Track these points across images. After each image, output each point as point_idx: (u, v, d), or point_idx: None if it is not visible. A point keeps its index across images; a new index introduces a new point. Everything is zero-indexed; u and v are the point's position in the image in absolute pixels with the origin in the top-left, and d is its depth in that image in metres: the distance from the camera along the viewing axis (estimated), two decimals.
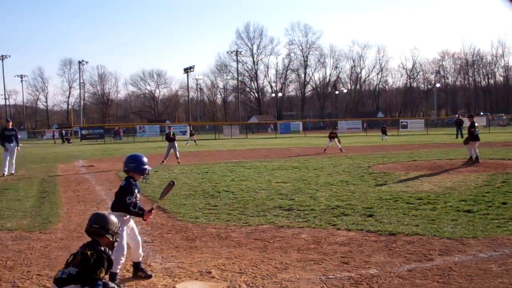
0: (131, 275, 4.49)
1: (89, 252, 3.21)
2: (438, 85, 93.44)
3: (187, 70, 70.10)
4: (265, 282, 4.22)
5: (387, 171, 12.43)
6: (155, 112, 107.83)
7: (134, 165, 4.42)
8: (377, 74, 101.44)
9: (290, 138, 46.49)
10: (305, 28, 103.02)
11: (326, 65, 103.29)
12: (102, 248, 3.29)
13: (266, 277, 4.34)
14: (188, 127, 50.39)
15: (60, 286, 3.17)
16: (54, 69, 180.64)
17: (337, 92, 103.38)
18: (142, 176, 4.45)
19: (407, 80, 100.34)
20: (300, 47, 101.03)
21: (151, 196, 9.17)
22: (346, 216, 6.83)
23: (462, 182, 9.83)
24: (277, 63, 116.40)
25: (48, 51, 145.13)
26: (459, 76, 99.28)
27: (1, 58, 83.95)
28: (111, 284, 3.59)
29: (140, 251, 4.49)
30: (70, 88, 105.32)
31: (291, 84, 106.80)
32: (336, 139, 21.59)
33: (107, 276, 3.49)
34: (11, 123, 15.63)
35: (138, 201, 4.34)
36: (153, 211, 4.42)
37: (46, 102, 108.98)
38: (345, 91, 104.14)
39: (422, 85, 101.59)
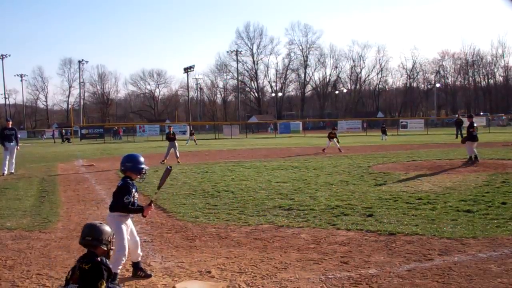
0: (130, 274, 4.50)
1: (86, 266, 3.19)
2: (438, 85, 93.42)
3: (187, 70, 70.08)
4: (264, 281, 4.22)
5: (387, 171, 12.43)
6: (155, 111, 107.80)
7: (130, 165, 4.42)
8: (377, 74, 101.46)
9: (290, 138, 46.48)
10: (305, 28, 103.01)
11: (326, 65, 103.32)
12: (99, 259, 3.27)
13: (266, 277, 4.34)
14: (188, 126, 50.39)
15: None
16: (54, 68, 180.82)
17: (337, 92, 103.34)
18: (139, 176, 4.44)
19: (407, 80, 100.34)
20: (300, 47, 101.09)
21: (150, 195, 9.15)
22: (346, 216, 6.84)
23: (461, 182, 9.83)
24: (277, 63, 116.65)
25: (48, 50, 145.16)
26: (459, 76, 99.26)
27: (1, 57, 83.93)
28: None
29: (139, 251, 4.49)
30: (70, 87, 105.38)
31: (291, 84, 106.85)
32: (335, 139, 21.60)
33: None
34: (11, 123, 15.64)
35: (136, 200, 4.33)
36: (152, 205, 4.40)
37: (46, 101, 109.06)
38: (345, 91, 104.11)
39: (422, 85, 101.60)
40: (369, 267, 4.53)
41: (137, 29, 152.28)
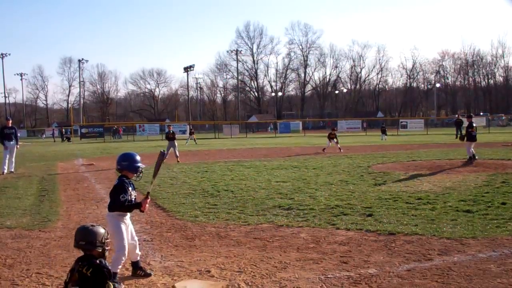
0: (130, 273, 4.49)
1: (87, 272, 3.18)
2: (438, 85, 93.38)
3: (187, 69, 70.12)
4: (264, 281, 4.22)
5: (387, 170, 12.43)
6: (155, 111, 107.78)
7: (126, 164, 4.39)
8: (377, 74, 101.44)
9: (290, 137, 46.47)
10: (305, 27, 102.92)
11: (326, 64, 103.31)
12: (98, 262, 3.27)
13: (265, 276, 4.34)
14: (188, 126, 50.37)
15: None
16: (54, 67, 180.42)
17: (337, 92, 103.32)
18: (135, 174, 4.40)
19: (407, 80, 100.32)
20: (300, 47, 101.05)
21: (150, 194, 9.16)
22: (346, 215, 6.84)
23: (461, 182, 9.83)
24: (277, 63, 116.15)
25: (48, 49, 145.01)
26: (459, 76, 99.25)
27: (1, 56, 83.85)
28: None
29: (137, 251, 4.49)
30: (70, 86, 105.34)
31: (291, 83, 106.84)
32: (334, 140, 21.62)
33: None
34: (10, 121, 15.63)
35: (133, 199, 4.30)
36: (149, 197, 4.36)
37: (46, 100, 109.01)
38: (345, 90, 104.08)
39: (422, 85, 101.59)
40: (368, 266, 4.53)
41: (137, 28, 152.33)
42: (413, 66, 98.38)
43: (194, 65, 69.38)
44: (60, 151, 28.28)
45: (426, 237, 5.52)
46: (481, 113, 75.42)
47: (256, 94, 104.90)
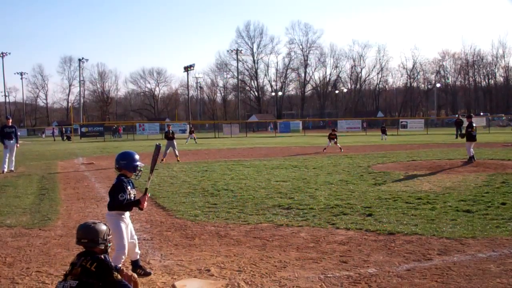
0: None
1: (89, 265, 3.18)
2: (438, 85, 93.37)
3: (187, 69, 70.10)
4: (264, 280, 4.22)
5: (387, 170, 12.43)
6: (155, 110, 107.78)
7: (125, 163, 4.37)
8: (377, 73, 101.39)
9: (290, 137, 46.48)
10: (306, 27, 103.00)
11: (326, 64, 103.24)
12: (102, 257, 3.27)
13: (265, 275, 4.34)
14: (188, 125, 50.37)
15: None
16: (54, 66, 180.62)
17: (337, 92, 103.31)
18: (134, 173, 4.38)
19: (407, 80, 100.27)
20: (301, 46, 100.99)
21: (150, 193, 9.17)
22: (345, 215, 6.84)
23: (461, 182, 9.84)
24: (277, 62, 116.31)
25: (48, 48, 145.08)
26: (459, 76, 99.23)
27: (1, 55, 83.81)
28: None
29: (137, 249, 4.49)
30: (70, 85, 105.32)
31: (291, 83, 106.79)
32: (334, 140, 21.64)
33: None
34: (10, 120, 15.62)
35: (133, 197, 4.30)
36: (148, 193, 4.34)
37: (46, 99, 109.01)
38: (345, 90, 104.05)
39: (422, 85, 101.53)
40: (368, 266, 4.53)
41: (137, 28, 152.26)
42: (413, 66, 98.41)
43: (194, 64, 69.36)
44: (60, 150, 28.29)
45: (425, 237, 5.53)
46: (481, 113, 75.38)
47: (256, 93, 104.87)
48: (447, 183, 9.76)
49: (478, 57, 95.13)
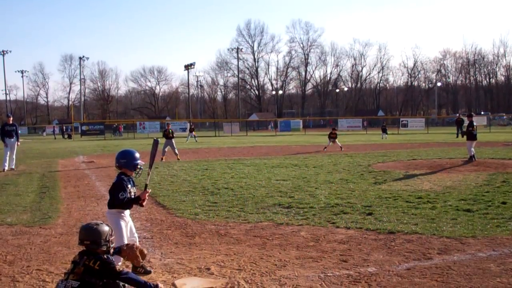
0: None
1: (93, 264, 3.18)
2: (439, 84, 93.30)
3: (187, 67, 70.14)
4: (263, 279, 4.22)
5: (387, 169, 12.43)
6: (155, 108, 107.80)
7: (125, 161, 4.36)
8: (378, 72, 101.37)
9: (290, 135, 46.47)
10: (306, 25, 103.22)
11: (327, 63, 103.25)
12: (105, 256, 3.27)
13: (265, 274, 4.34)
14: (189, 124, 50.41)
15: None
16: (54, 64, 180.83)
17: (337, 90, 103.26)
18: (134, 172, 4.38)
19: (408, 79, 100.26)
20: (301, 45, 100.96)
21: (150, 192, 9.17)
22: (346, 214, 6.84)
23: (462, 181, 9.83)
24: (277, 61, 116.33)
25: (48, 46, 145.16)
26: (460, 75, 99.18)
27: (2, 53, 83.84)
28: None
29: None
30: (70, 84, 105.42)
31: (291, 81, 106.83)
32: (334, 139, 21.65)
33: None
34: (11, 119, 15.63)
35: (133, 196, 4.29)
36: (148, 189, 4.32)
37: (47, 97, 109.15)
38: (345, 89, 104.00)
39: (423, 84, 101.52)
40: (368, 265, 4.53)
41: (138, 26, 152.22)
42: (414, 65, 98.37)
43: (194, 62, 69.53)
44: (61, 148, 28.30)
45: (426, 236, 5.53)
46: (482, 112, 75.31)
47: (257, 92, 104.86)
48: (447, 182, 9.75)
49: (479, 56, 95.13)
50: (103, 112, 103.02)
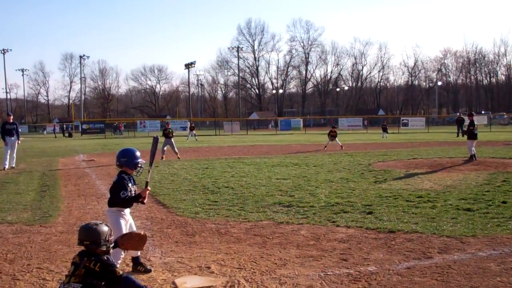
0: (130, 269, 4.50)
1: (93, 265, 3.18)
2: (439, 83, 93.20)
3: (188, 66, 70.14)
4: (264, 277, 4.23)
5: (387, 168, 12.43)
6: (155, 107, 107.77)
7: (125, 160, 4.36)
8: (379, 71, 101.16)
9: (291, 134, 46.44)
10: (307, 24, 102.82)
11: (327, 62, 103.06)
12: (105, 258, 3.27)
13: (265, 273, 4.35)
14: (189, 123, 50.41)
15: None
16: (55, 63, 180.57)
17: (338, 89, 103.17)
18: (134, 170, 4.38)
19: (408, 78, 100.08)
20: (302, 44, 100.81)
21: (151, 191, 9.17)
22: (346, 213, 6.84)
23: (462, 181, 9.83)
24: (278, 60, 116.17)
25: (49, 45, 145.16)
26: (460, 74, 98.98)
27: (2, 51, 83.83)
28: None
29: None
30: (71, 82, 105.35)
31: (292, 80, 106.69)
32: (333, 138, 21.66)
33: None
34: (12, 117, 15.64)
35: (133, 194, 4.29)
36: (148, 188, 4.32)
37: (47, 96, 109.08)
38: (346, 88, 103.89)
39: (424, 83, 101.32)
40: (368, 264, 4.53)
41: (138, 25, 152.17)
42: (415, 64, 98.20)
43: (195, 61, 69.62)
44: (61, 147, 28.30)
45: (426, 235, 5.53)
46: (483, 112, 75.24)
47: (257, 91, 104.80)
48: (447, 182, 9.75)
49: (480, 55, 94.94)
50: (104, 111, 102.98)
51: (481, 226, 5.86)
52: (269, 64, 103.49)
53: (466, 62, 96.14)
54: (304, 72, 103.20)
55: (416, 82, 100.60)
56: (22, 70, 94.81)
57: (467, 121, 16.33)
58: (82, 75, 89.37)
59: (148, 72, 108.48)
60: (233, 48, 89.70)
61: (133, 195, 4.28)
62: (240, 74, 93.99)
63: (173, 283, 4.12)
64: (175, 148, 17.65)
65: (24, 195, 9.15)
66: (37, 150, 24.97)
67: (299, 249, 5.13)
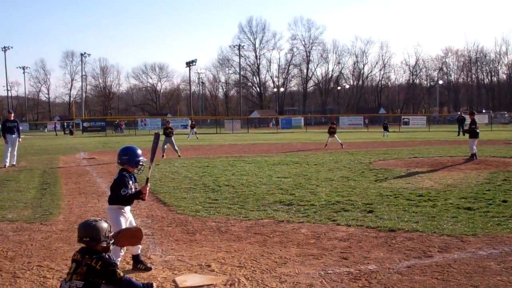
0: (131, 267, 4.51)
1: (95, 263, 3.19)
2: (440, 82, 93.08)
3: (189, 64, 70.01)
4: (264, 276, 4.23)
5: (388, 167, 12.42)
6: (156, 105, 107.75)
7: (127, 158, 4.36)
8: (380, 70, 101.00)
9: (292, 133, 46.44)
10: (308, 23, 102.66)
11: (328, 60, 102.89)
12: (106, 256, 3.28)
13: (266, 271, 4.35)
14: (190, 121, 50.43)
15: None
16: (56, 61, 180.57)
17: (339, 88, 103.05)
18: (136, 168, 4.38)
19: (409, 77, 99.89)
20: (303, 42, 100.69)
21: (151, 188, 9.18)
22: (346, 211, 6.84)
23: (463, 180, 9.82)
24: (279, 58, 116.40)
25: (50, 43, 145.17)
26: (462, 73, 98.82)
27: (3, 49, 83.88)
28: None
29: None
30: (72, 80, 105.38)
31: (293, 79, 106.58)
32: (333, 134, 21.69)
33: None
34: (12, 115, 15.65)
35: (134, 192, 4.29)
36: (148, 184, 4.31)
37: (48, 94, 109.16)
38: (347, 86, 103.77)
39: (425, 82, 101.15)
40: (368, 263, 4.53)
41: (139, 23, 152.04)
42: (416, 63, 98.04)
43: (196, 59, 69.33)
44: (62, 145, 28.33)
45: (426, 234, 5.52)
46: (484, 111, 75.10)
47: (258, 89, 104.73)
48: (448, 181, 9.74)
49: (481, 54, 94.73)
50: (105, 109, 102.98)
51: (481, 225, 5.86)
52: (270, 62, 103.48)
53: (467, 61, 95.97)
54: (305, 71, 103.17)
55: (417, 81, 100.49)
56: (23, 68, 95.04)
57: (468, 120, 16.33)
58: (83, 73, 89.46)
59: (149, 70, 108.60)
60: (234, 46, 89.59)
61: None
62: (241, 72, 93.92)
63: (174, 281, 4.13)
64: (175, 146, 17.65)
65: (24, 193, 9.16)
66: (38, 148, 25.00)
67: (300, 247, 5.13)
